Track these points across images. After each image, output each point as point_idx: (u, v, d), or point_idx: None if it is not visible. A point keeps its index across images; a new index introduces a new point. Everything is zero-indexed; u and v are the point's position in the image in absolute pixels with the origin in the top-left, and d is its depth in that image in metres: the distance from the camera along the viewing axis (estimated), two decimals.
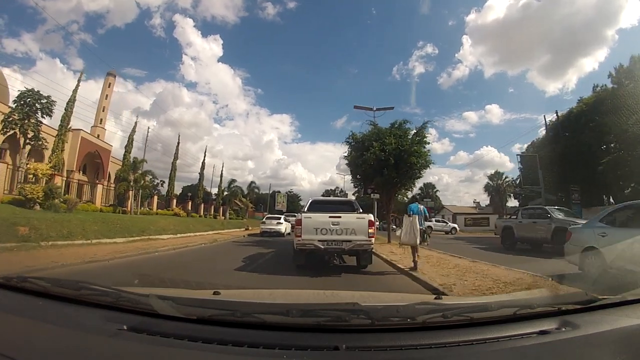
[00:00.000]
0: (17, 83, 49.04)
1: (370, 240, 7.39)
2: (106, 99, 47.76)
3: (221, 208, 39.78)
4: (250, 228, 27.93)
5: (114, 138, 62.15)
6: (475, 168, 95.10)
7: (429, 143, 14.76)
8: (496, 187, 47.65)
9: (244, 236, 20.25)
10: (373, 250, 8.01)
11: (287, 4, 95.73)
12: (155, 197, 30.24)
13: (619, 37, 63.13)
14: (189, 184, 50.82)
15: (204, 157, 38.61)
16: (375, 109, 16.20)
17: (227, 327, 1.12)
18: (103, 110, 46.59)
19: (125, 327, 1.09)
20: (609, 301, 1.38)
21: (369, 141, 14.59)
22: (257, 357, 0.99)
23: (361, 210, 8.81)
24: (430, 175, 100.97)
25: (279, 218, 23.33)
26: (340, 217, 7.55)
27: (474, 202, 55.45)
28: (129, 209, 22.96)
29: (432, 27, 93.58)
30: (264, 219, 24.23)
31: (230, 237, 18.39)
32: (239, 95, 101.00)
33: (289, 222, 23.61)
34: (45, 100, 19.24)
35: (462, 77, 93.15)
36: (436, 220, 36.34)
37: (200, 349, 1.00)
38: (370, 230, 7.37)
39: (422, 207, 7.88)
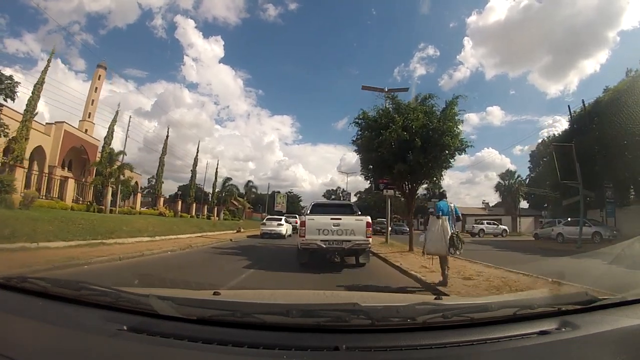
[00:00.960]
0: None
1: (368, 240, 8.22)
2: (95, 91, 45.20)
3: (215, 208, 36.91)
4: (242, 230, 25.24)
5: (115, 139, 61.49)
6: (476, 170, 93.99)
7: (462, 121, 11.67)
8: (508, 186, 44.57)
9: (230, 240, 17.45)
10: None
11: (288, 5, 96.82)
12: (139, 195, 27.74)
13: (620, 38, 64.50)
14: (186, 184, 48.10)
15: (197, 153, 35.87)
16: (387, 89, 13.03)
17: (227, 327, 1.13)
18: (92, 104, 43.89)
19: (125, 327, 1.09)
20: (609, 301, 1.39)
21: (387, 118, 11.84)
22: (257, 357, 1.00)
23: (359, 213, 9.51)
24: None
25: (280, 219, 22.68)
26: (340, 219, 8.26)
27: (482, 202, 52.46)
28: (106, 207, 20.24)
29: (433, 28, 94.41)
30: (264, 220, 23.61)
31: (212, 242, 15.98)
32: (240, 96, 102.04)
33: (290, 223, 23.06)
34: (9, 81, 16.46)
35: (464, 78, 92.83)
36: (487, 223, 35.11)
37: (200, 349, 1.01)
38: (368, 231, 8.18)
39: (452, 205, 6.66)
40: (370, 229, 8.34)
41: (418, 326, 1.15)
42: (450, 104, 11.38)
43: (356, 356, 1.05)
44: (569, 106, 24.02)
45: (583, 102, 24.05)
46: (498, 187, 47.26)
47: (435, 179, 12.49)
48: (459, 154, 11.82)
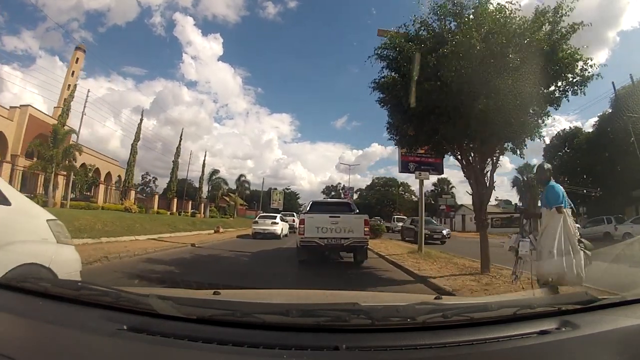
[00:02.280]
0: (16, 80, 49.98)
1: (365, 238, 8.58)
2: (72, 75, 40.67)
3: (202, 205, 32.54)
4: (221, 230, 20.91)
5: (112, 137, 64.75)
6: None
7: (573, 31, 6.40)
8: (525, 181, 40.01)
9: (192, 245, 12.68)
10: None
11: (287, 3, 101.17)
12: (102, 186, 23.20)
13: (620, 39, 68.14)
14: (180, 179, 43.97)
15: (180, 141, 31.52)
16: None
17: (227, 327, 1.14)
18: (68, 89, 39.37)
19: (125, 327, 1.11)
20: (609, 301, 1.41)
21: (447, 31, 6.67)
22: (257, 357, 1.02)
23: (357, 211, 9.60)
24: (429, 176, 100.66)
25: (275, 217, 20.41)
26: (339, 217, 8.52)
27: (495, 199, 48.03)
28: (52, 199, 15.97)
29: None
30: (256, 219, 21.16)
31: (159, 248, 11.60)
32: (239, 94, 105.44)
33: (286, 222, 21.57)
34: None
35: None
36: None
37: (200, 349, 1.02)
38: (365, 229, 8.50)
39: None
40: (368, 227, 8.68)
41: (418, 326, 1.16)
42: (539, 14, 6.47)
43: (356, 356, 1.06)
44: (613, 83, 20.30)
45: (631, 76, 20.34)
46: (515, 183, 42.70)
47: (535, 132, 6.95)
48: (578, 91, 6.63)
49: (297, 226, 9.01)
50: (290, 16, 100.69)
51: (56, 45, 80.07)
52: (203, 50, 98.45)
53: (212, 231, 21.76)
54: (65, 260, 2.94)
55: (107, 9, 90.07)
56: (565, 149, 40.49)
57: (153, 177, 30.16)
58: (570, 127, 41.55)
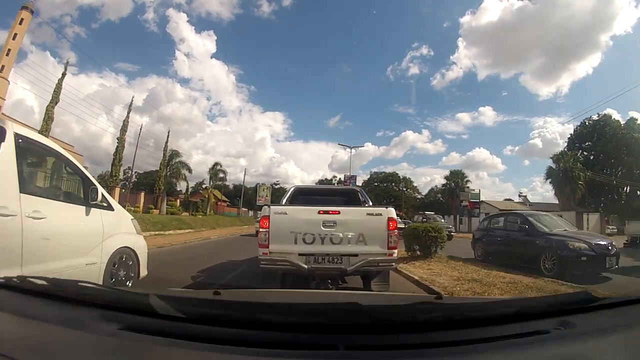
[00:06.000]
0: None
1: (390, 253, 4.62)
2: (14, 39, 31.32)
3: (159, 198, 24.66)
4: None
5: (104, 135, 62.48)
6: (468, 169, 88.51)
7: None
8: (564, 171, 32.11)
9: None
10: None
11: (282, 1, 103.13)
12: None
13: (613, 43, 68.65)
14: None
15: (128, 112, 23.59)
16: None
17: (227, 327, 1.15)
18: (8, 55, 30.45)
19: (125, 327, 1.14)
20: (609, 301, 1.40)
21: None
22: (256, 357, 1.03)
23: (371, 203, 6.31)
24: (422, 176, 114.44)
25: None
26: (338, 212, 4.70)
27: (519, 195, 40.54)
28: None
29: (427, 28, 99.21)
30: (258, 217, 15.59)
31: None
32: (232, 92, 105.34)
33: None
34: None
35: (456, 78, 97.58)
36: None
37: (200, 348, 1.05)
38: (392, 236, 4.66)
39: None
40: (396, 231, 4.65)
41: (418, 326, 1.18)
42: None
43: (356, 355, 1.07)
44: None
45: None
46: (549, 174, 34.55)
47: None
48: None
49: (259, 229, 4.93)
50: (285, 15, 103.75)
51: (48, 40, 79.42)
52: (196, 47, 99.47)
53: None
54: (141, 245, 4.75)
55: (100, 4, 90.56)
56: (595, 139, 32.71)
57: (135, 172, 24.44)
58: (598, 114, 34.48)
